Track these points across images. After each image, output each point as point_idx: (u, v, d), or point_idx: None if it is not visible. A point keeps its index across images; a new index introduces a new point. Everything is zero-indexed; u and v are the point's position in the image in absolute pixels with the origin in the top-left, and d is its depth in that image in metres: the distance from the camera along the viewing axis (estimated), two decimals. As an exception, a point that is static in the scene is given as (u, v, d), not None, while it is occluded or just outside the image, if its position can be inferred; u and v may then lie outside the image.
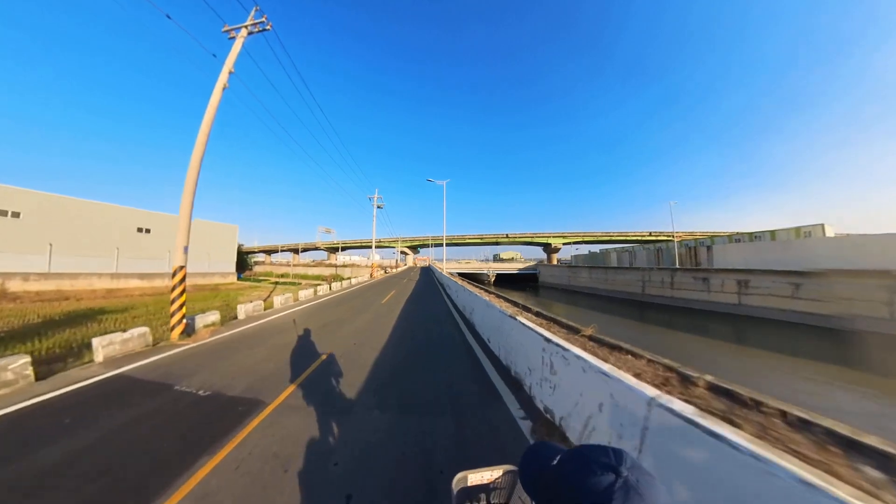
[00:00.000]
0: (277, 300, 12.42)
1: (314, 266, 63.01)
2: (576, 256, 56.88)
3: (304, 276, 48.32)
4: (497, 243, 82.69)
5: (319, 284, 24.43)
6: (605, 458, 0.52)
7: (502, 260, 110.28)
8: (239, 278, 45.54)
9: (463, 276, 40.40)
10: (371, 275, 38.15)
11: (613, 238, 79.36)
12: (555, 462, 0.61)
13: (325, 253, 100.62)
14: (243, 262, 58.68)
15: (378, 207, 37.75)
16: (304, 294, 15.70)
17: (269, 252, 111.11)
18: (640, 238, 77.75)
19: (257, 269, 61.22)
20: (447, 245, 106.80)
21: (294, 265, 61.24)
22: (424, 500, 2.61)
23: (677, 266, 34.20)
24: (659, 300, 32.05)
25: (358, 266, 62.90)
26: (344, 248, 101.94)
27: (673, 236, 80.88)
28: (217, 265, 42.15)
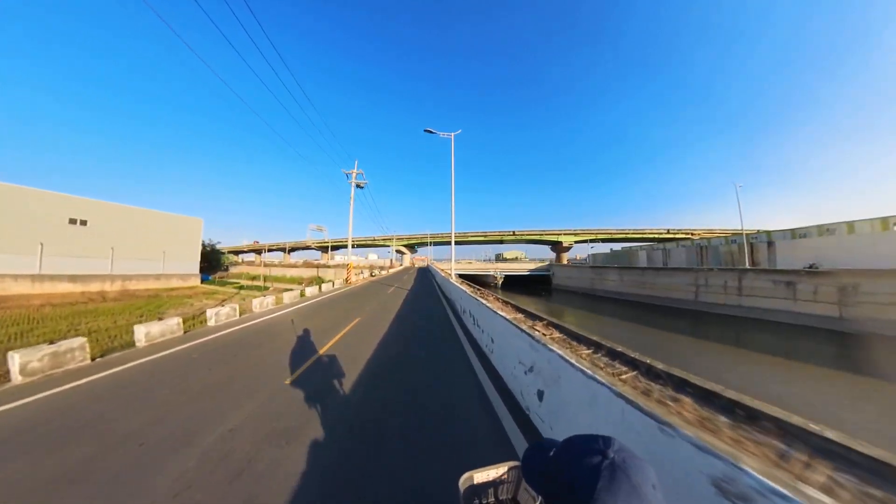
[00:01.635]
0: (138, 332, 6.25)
1: (294, 267, 56.06)
2: (595, 255, 50.31)
3: (279, 279, 41.61)
4: (502, 241, 76.17)
5: (287, 290, 18.27)
6: (595, 444, 0.58)
7: (506, 260, 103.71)
8: (206, 280, 38.91)
9: (465, 278, 33.67)
10: (346, 279, 26.96)
11: (629, 236, 73.20)
12: (551, 454, 0.67)
13: (319, 252, 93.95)
14: (215, 261, 51.92)
15: (358, 187, 27.19)
16: (209, 316, 8.58)
17: (258, 251, 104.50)
18: (657, 236, 71.87)
19: (234, 269, 54.53)
20: (445, 244, 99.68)
21: (269, 265, 54.74)
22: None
23: (736, 266, 27.65)
24: (719, 309, 25.50)
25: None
26: (337, 247, 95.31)
27: (693, 234, 75.16)
28: (175, 265, 35.33)
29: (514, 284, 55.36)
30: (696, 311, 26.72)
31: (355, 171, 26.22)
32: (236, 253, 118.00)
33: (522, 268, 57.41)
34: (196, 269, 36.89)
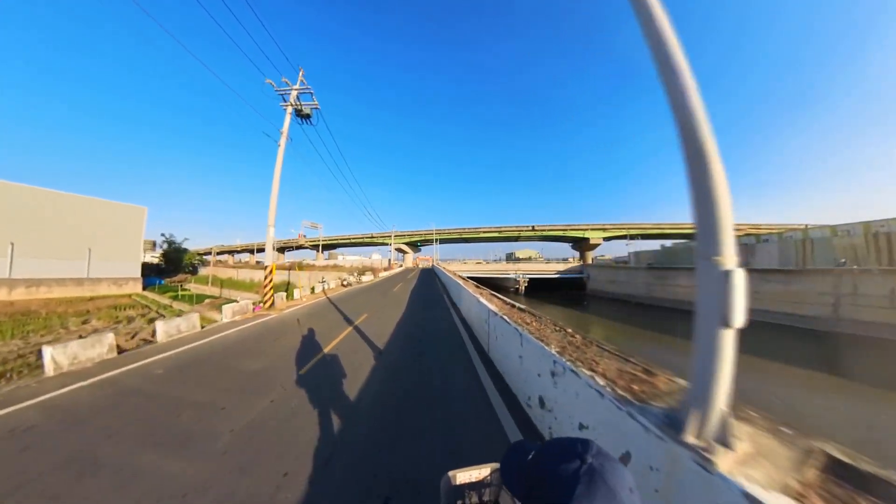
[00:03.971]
0: None
1: (262, 269, 47.80)
2: (638, 254, 41.47)
3: (240, 284, 33.39)
4: (518, 238, 67.53)
5: (230, 301, 10.72)
6: (574, 448, 0.58)
7: (519, 259, 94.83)
8: (153, 285, 30.79)
9: (477, 280, 25.07)
10: (263, 299, 12.52)
11: (665, 231, 64.27)
12: (530, 456, 0.65)
13: (314, 252, 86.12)
14: (177, 261, 43.92)
15: (300, 116, 14.74)
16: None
17: (252, 251, 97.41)
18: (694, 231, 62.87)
19: (204, 271, 46.66)
20: (453, 242, 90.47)
21: (236, 266, 46.90)
22: None
23: (861, 265, 18.71)
24: (877, 331, 16.66)
25: (343, 269, 47.95)
26: (333, 246, 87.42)
27: (738, 228, 65.90)
28: (106, 266, 27.05)
29: (538, 289, 46.68)
30: (830, 333, 17.91)
31: (297, 87, 13.87)
32: (230, 252, 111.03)
33: (549, 269, 48.60)
34: (136, 271, 28.71)
